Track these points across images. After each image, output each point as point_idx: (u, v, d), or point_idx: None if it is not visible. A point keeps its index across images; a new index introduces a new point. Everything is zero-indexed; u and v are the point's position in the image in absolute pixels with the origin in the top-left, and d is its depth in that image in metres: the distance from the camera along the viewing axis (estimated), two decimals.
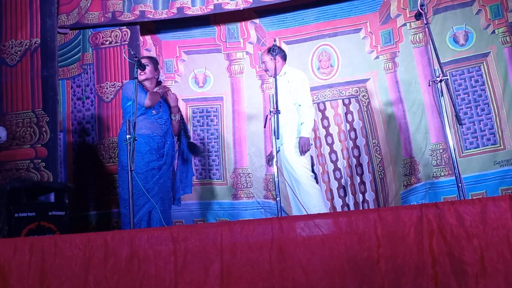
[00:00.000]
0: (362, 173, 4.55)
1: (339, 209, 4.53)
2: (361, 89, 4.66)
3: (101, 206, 4.42)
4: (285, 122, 3.55)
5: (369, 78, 4.63)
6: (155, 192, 3.40)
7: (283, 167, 3.69)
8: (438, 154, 4.28)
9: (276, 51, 3.58)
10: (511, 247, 1.77)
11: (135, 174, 3.19)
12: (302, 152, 3.55)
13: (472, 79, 4.27)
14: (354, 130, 4.63)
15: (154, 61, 3.66)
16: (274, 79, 3.45)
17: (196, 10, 4.52)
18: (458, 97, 4.30)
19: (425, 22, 3.04)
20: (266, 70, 3.85)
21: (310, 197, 3.54)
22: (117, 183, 4.34)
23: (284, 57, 3.83)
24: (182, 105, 4.93)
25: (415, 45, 4.48)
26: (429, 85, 3.01)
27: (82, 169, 4.53)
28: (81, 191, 4.36)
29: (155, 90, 3.50)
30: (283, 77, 3.75)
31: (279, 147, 3.63)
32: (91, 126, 4.57)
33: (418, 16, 3.09)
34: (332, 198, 4.58)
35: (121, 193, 3.42)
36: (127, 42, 4.63)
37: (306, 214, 3.17)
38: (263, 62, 3.84)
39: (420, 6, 3.01)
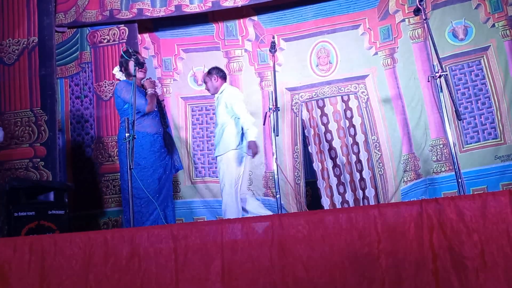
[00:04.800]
0: (362, 169, 4.55)
1: (338, 205, 4.53)
2: (360, 86, 4.65)
3: (101, 205, 4.41)
4: (226, 134, 3.76)
5: (368, 74, 4.62)
6: (166, 189, 3.45)
7: (220, 172, 3.84)
8: (438, 150, 4.28)
9: (273, 50, 3.53)
10: (511, 242, 1.77)
11: (145, 172, 3.27)
12: (253, 154, 3.68)
13: (472, 73, 4.26)
14: (354, 126, 4.63)
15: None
16: (273, 77, 3.43)
17: (194, 7, 4.51)
18: (459, 91, 4.29)
19: (423, 18, 3.03)
20: (207, 89, 4.02)
21: (227, 206, 3.70)
22: (116, 182, 4.35)
23: (223, 77, 3.96)
24: (181, 103, 4.92)
25: (414, 40, 4.47)
26: (428, 81, 2.99)
27: (81, 167, 4.52)
28: (81, 190, 4.35)
29: (148, 92, 3.45)
30: (222, 94, 3.89)
31: (216, 156, 3.84)
32: (89, 125, 4.56)
33: (416, 11, 3.08)
34: (332, 195, 4.58)
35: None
36: (125, 40, 4.61)
37: (305, 211, 3.16)
38: (204, 82, 4.03)
39: (419, 1, 2.99)
